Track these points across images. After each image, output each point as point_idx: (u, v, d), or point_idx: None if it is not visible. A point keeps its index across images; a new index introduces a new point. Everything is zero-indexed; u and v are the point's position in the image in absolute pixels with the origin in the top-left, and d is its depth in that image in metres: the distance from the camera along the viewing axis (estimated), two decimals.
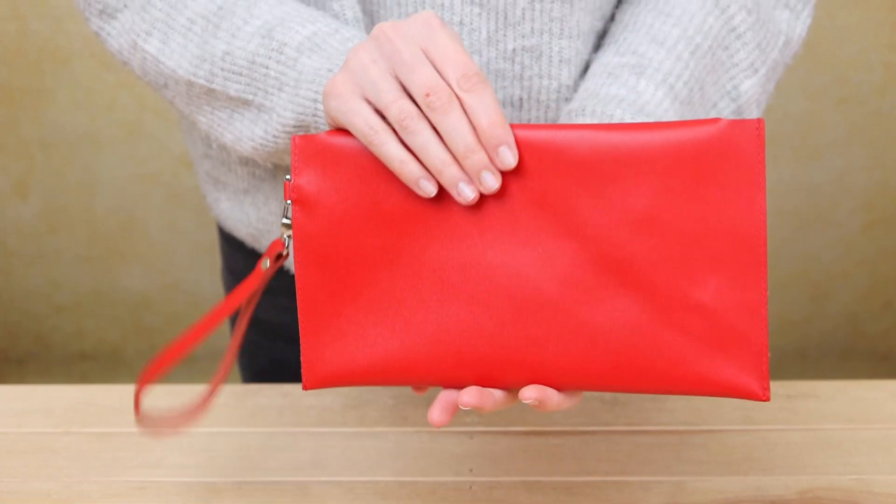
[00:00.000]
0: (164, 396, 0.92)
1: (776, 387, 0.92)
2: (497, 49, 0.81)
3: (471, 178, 0.61)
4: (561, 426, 0.87)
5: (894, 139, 2.02)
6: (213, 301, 2.19)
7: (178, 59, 0.81)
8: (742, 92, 0.81)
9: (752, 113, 0.83)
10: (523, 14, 0.80)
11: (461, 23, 0.80)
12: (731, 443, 0.85)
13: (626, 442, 0.85)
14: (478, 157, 0.61)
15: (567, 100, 0.83)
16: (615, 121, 0.73)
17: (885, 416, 0.88)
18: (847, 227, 2.12)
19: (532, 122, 0.84)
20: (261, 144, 0.79)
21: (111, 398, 0.92)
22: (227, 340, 2.18)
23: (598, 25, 0.84)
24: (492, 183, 0.61)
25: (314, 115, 0.73)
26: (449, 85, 0.61)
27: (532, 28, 0.80)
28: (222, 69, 0.78)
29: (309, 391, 0.92)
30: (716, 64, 0.80)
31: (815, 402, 0.90)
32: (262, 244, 0.95)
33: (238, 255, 1.03)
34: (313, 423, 0.88)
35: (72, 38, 1.92)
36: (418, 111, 0.61)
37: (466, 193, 0.62)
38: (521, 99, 0.83)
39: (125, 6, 0.84)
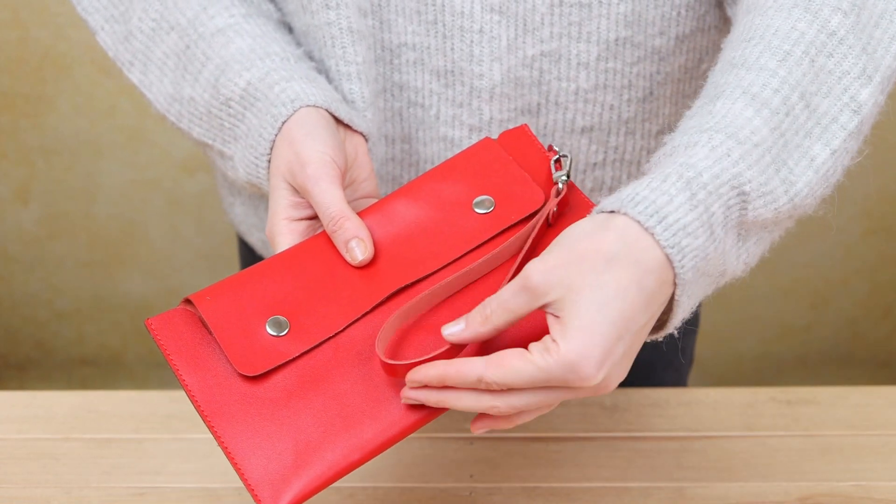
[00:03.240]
0: (165, 402, 0.92)
1: (776, 393, 0.92)
2: (517, 56, 0.81)
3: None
4: (561, 432, 0.87)
5: (894, 146, 2.02)
6: None
7: (156, 94, 0.83)
8: (862, 103, 0.71)
9: (865, 130, 0.74)
10: (542, 20, 0.80)
11: (481, 30, 0.80)
12: (732, 449, 0.85)
13: (626, 448, 0.85)
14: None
15: (586, 101, 0.83)
16: (680, 147, 0.65)
17: (885, 423, 0.88)
18: (847, 233, 2.12)
19: (549, 125, 0.84)
20: (236, 183, 0.82)
21: (111, 404, 0.92)
22: None
23: (637, 39, 0.82)
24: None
25: (258, 177, 0.77)
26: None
27: (551, 33, 0.80)
28: (189, 112, 0.81)
29: None
30: (819, 73, 0.70)
31: (816, 409, 0.90)
32: (271, 251, 0.95)
33: (256, 260, 1.03)
34: None
35: (73, 45, 1.92)
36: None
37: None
38: (538, 105, 0.83)
39: (102, 28, 0.85)
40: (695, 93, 0.88)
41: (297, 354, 0.65)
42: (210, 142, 0.80)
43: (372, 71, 0.82)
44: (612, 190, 0.89)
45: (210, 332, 0.65)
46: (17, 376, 2.28)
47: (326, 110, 0.75)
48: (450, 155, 0.84)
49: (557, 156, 0.72)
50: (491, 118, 0.83)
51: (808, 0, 0.71)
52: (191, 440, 0.87)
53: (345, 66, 0.81)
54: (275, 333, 0.65)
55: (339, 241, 0.69)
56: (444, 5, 0.79)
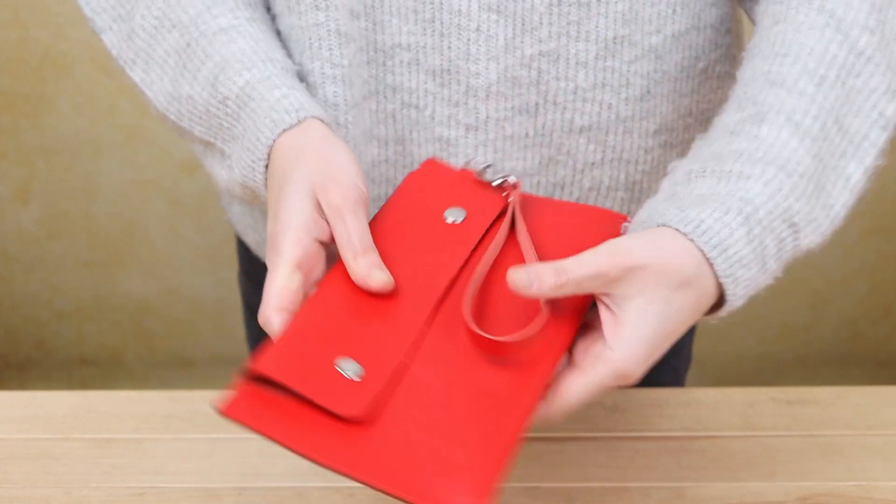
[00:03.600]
0: (165, 402, 0.92)
1: (776, 393, 0.92)
2: (514, 56, 0.81)
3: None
4: (561, 432, 0.87)
5: (894, 145, 2.02)
6: (214, 306, 2.19)
7: (156, 92, 0.82)
8: (889, 118, 0.74)
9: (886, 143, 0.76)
10: (541, 19, 0.80)
11: (478, 29, 0.80)
12: (732, 449, 0.85)
13: (626, 448, 0.85)
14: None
15: (584, 101, 0.83)
16: (733, 177, 0.68)
17: (885, 422, 0.88)
18: (847, 233, 2.11)
19: (547, 125, 0.84)
20: (226, 186, 0.80)
21: (111, 404, 0.92)
22: (235, 347, 2.18)
23: (635, 37, 0.82)
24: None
25: (254, 181, 0.75)
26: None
27: (550, 32, 0.80)
28: (189, 111, 0.80)
29: None
30: (850, 93, 0.73)
31: (816, 408, 0.90)
32: (265, 250, 0.95)
33: (255, 259, 1.03)
34: None
35: (73, 44, 1.92)
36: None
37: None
38: (536, 104, 0.83)
39: (109, 28, 0.85)
40: (692, 91, 0.88)
41: (383, 383, 0.63)
42: (212, 140, 0.79)
43: (361, 74, 0.82)
44: (609, 190, 0.89)
45: (288, 392, 0.62)
46: (17, 376, 2.28)
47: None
48: (446, 155, 0.84)
49: (482, 167, 0.74)
50: (487, 117, 0.83)
51: (839, 20, 0.74)
52: (191, 440, 0.87)
53: (330, 68, 0.81)
54: (351, 373, 0.63)
55: (361, 269, 0.66)
56: (441, 4, 0.79)
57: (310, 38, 0.80)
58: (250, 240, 0.98)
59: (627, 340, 0.63)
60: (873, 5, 0.75)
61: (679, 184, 0.71)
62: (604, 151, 0.86)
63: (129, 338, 2.25)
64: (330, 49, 0.80)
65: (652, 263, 0.63)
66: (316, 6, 0.79)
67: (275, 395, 0.62)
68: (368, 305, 0.67)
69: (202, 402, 0.92)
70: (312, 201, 0.68)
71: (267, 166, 0.73)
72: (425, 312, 0.67)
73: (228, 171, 0.79)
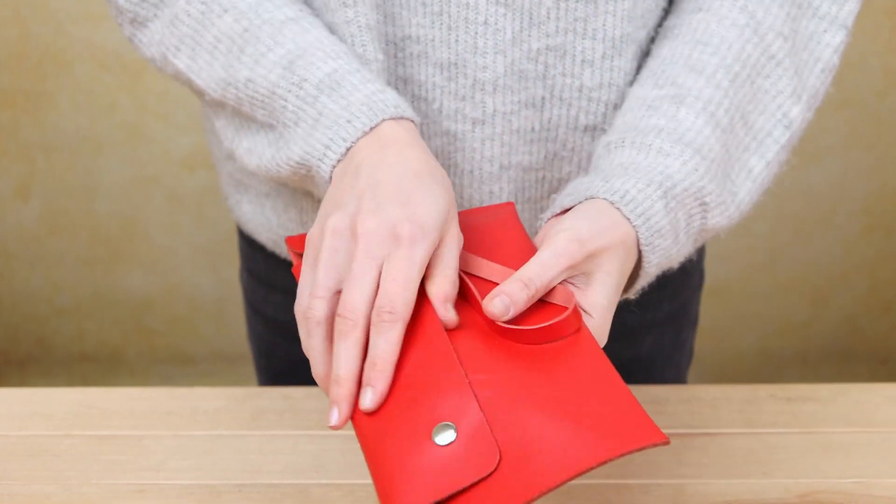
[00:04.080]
0: (165, 399, 0.92)
1: (776, 390, 0.92)
2: (521, 49, 0.81)
3: (334, 404, 0.64)
4: None
5: (894, 143, 2.02)
6: (214, 303, 2.19)
7: (206, 80, 0.81)
8: (792, 119, 0.81)
9: (794, 142, 0.82)
10: (548, 14, 0.80)
11: (486, 22, 0.80)
12: (732, 446, 0.85)
13: None
14: (336, 391, 0.64)
15: (590, 100, 0.83)
16: (653, 151, 0.74)
17: (885, 420, 0.88)
18: (847, 230, 2.12)
19: (553, 120, 0.84)
20: (266, 165, 0.79)
21: (111, 401, 0.92)
22: (235, 344, 2.19)
23: (635, 34, 0.83)
24: (334, 417, 0.63)
25: (320, 160, 0.73)
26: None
27: (557, 27, 0.81)
28: (247, 95, 0.78)
29: (309, 393, 0.92)
30: (757, 92, 0.80)
31: (816, 406, 0.90)
32: (282, 248, 0.95)
33: (258, 256, 1.03)
34: (314, 425, 0.88)
35: (73, 41, 1.92)
36: (324, 317, 0.65)
37: (329, 417, 0.64)
38: (543, 98, 0.83)
39: (155, 16, 0.84)
40: None
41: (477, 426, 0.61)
42: (273, 123, 0.78)
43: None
44: None
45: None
46: (17, 373, 2.29)
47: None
48: (452, 150, 0.84)
49: None
50: (494, 111, 0.83)
51: (758, 22, 0.80)
52: (191, 437, 0.87)
53: (365, 64, 0.81)
54: (448, 440, 0.61)
55: (443, 286, 0.66)
56: None
57: (343, 35, 0.80)
58: (264, 238, 0.97)
59: (598, 308, 0.67)
60: (788, 14, 0.81)
61: (601, 157, 0.76)
62: None
63: (130, 334, 2.25)
64: (364, 45, 0.80)
65: (604, 245, 0.67)
66: (344, 3, 0.79)
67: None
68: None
69: (202, 398, 0.92)
70: (443, 223, 0.67)
71: (349, 150, 0.72)
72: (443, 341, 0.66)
73: (277, 151, 0.78)
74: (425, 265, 0.65)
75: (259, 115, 0.79)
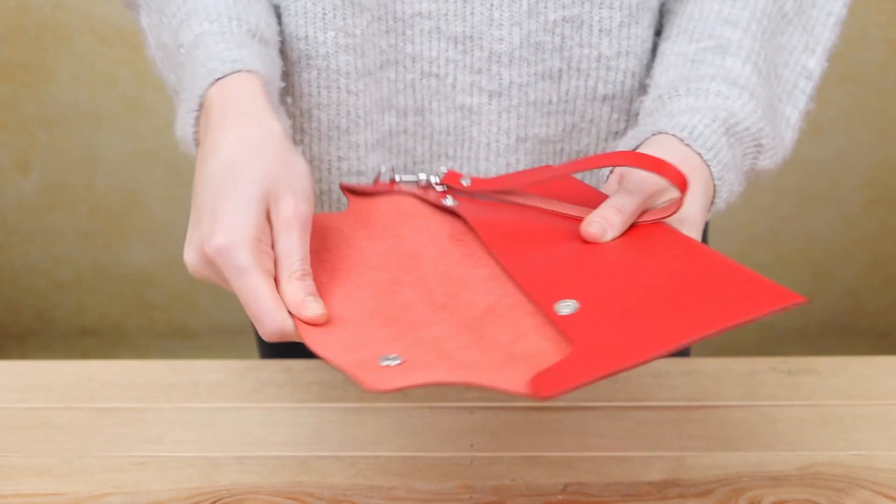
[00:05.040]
0: (166, 372, 0.92)
1: (777, 363, 0.92)
2: (538, 21, 0.81)
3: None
4: (562, 401, 0.87)
5: (889, 113, 2.01)
6: None
7: (150, 39, 0.82)
8: (812, 70, 0.83)
9: (814, 93, 0.85)
10: None
11: None
12: (732, 418, 0.85)
13: (626, 417, 0.85)
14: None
15: (608, 69, 0.83)
16: (711, 94, 0.75)
17: (885, 392, 0.88)
18: (848, 203, 2.11)
19: (570, 92, 0.84)
20: (178, 136, 0.76)
21: (112, 373, 0.92)
22: (236, 318, 2.18)
23: (650, 1, 0.83)
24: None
25: (184, 136, 0.72)
26: None
27: None
28: (162, 59, 0.79)
29: (309, 366, 0.92)
30: (779, 48, 0.82)
31: (816, 378, 0.90)
32: None
33: None
34: (314, 398, 0.88)
35: (72, 14, 1.91)
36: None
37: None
38: (560, 70, 0.83)
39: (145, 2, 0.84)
40: None
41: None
42: (179, 91, 0.78)
43: (378, 43, 0.82)
44: None
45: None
46: (17, 346, 2.29)
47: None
48: (468, 123, 0.85)
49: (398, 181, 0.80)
50: (511, 82, 0.83)
51: None
52: (191, 409, 0.87)
53: (343, 38, 0.81)
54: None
55: (296, 295, 0.63)
56: None
57: (324, 8, 0.80)
58: None
59: (687, 223, 0.68)
60: None
61: (655, 109, 0.77)
62: (627, 120, 0.87)
63: (130, 308, 2.25)
64: (344, 18, 0.80)
65: (685, 170, 0.67)
66: None
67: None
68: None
69: (202, 371, 0.92)
70: (264, 209, 0.64)
71: (198, 119, 0.70)
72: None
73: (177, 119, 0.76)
74: (259, 280, 0.62)
75: (170, 81, 0.80)
